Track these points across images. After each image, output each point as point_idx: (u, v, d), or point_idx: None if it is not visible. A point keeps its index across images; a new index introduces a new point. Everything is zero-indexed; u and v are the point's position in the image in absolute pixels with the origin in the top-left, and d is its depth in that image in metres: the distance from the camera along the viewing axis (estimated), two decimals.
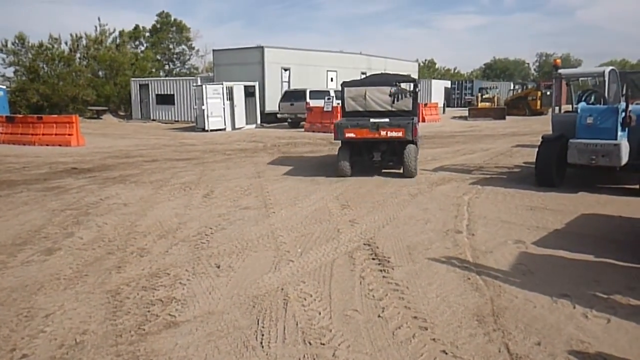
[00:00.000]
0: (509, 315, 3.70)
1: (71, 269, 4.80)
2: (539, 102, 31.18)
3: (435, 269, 4.69)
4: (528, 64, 79.90)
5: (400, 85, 10.94)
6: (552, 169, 8.32)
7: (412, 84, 10.91)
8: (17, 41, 31.73)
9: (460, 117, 30.43)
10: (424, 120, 26.56)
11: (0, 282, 4.50)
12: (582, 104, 8.32)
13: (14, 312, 3.89)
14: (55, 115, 20.33)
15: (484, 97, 33.58)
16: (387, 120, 9.70)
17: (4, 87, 27.85)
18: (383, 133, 9.39)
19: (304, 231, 5.98)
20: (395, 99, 10.65)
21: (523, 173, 9.92)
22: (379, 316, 3.70)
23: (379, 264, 4.80)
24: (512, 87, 39.38)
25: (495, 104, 32.57)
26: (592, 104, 8.77)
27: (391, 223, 6.33)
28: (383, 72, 28.95)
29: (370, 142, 9.68)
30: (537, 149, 8.59)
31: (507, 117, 28.40)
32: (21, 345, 3.37)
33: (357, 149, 9.96)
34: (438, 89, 44.69)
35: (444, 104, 37.95)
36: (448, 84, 48.87)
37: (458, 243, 5.46)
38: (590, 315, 3.71)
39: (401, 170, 9.73)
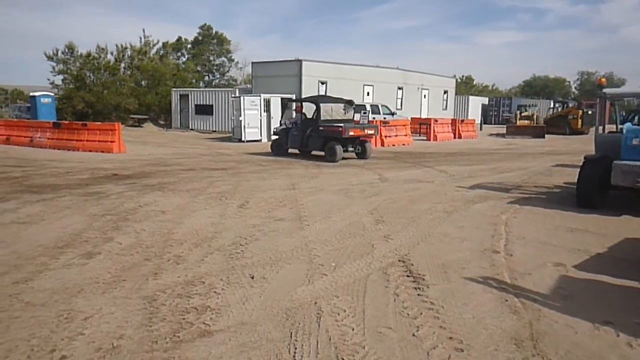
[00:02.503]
0: (548, 341, 3.59)
1: (110, 274, 4.91)
2: (580, 121, 30.49)
3: (472, 289, 4.60)
4: (569, 82, 78.06)
5: (346, 104, 16.24)
6: (594, 190, 8.08)
7: (350, 103, 16.37)
8: (66, 50, 32.99)
9: (498, 135, 29.98)
10: (460, 137, 26.29)
11: (43, 284, 4.64)
12: (628, 125, 8.09)
13: (55, 313, 3.99)
14: (99, 123, 21.01)
15: (522, 114, 32.98)
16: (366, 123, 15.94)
17: (52, 94, 28.95)
18: (367, 131, 15.56)
19: (337, 245, 5.96)
20: (345, 112, 16.08)
21: (563, 193, 9.67)
22: (413, 335, 3.65)
23: (414, 282, 4.74)
24: (552, 105, 38.59)
25: (534, 122, 31.95)
26: (637, 124, 8.51)
27: (426, 240, 6.25)
28: (421, 84, 28.83)
29: (353, 138, 15.13)
30: (578, 169, 8.37)
31: (546, 135, 27.82)
32: (60, 346, 3.46)
33: (344, 142, 15.06)
34: (475, 105, 44.19)
35: (481, 121, 37.49)
36: (485, 100, 48.28)
37: (495, 263, 5.34)
38: (635, 344, 3.57)
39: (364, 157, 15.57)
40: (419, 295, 4.42)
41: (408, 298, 4.34)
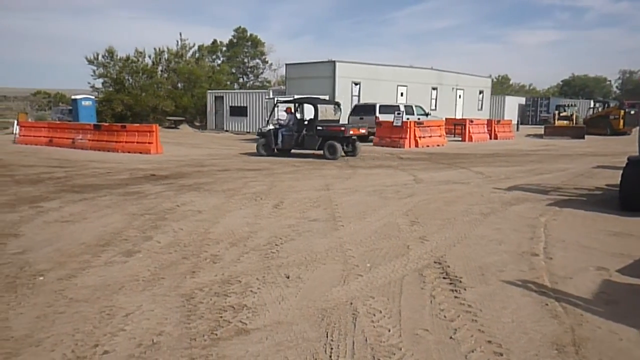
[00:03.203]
0: (591, 347, 3.49)
1: (149, 271, 5.02)
2: (621, 121, 29.52)
3: (510, 292, 4.51)
4: (610, 81, 75.65)
5: (336, 105, 17.30)
6: (638, 192, 7.81)
7: (338, 105, 17.55)
8: (106, 54, 33.93)
9: (535, 135, 29.30)
10: (496, 138, 25.83)
11: (85, 280, 4.78)
12: None
13: (97, 309, 4.11)
14: (137, 125, 21.50)
15: (561, 114, 32.15)
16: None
17: (93, 97, 29.81)
18: (361, 130, 16.84)
19: (372, 246, 5.94)
20: (335, 113, 16.98)
21: (605, 196, 9.38)
22: (450, 338, 3.60)
23: (450, 284, 4.68)
24: (592, 105, 37.50)
25: (574, 122, 31.10)
26: None
27: (462, 242, 6.17)
28: (455, 84, 28.49)
29: (347, 137, 16.02)
30: (621, 171, 8.11)
31: (586, 136, 27.05)
32: (103, 341, 3.55)
33: (341, 141, 15.86)
34: (512, 105, 43.38)
35: (517, 122, 36.72)
36: (522, 100, 47.29)
37: (534, 266, 5.23)
38: None
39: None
40: (455, 297, 4.36)
41: (445, 300, 4.29)
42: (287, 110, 16.84)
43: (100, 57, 33.91)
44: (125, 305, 4.17)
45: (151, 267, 5.16)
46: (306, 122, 16.53)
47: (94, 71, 34.17)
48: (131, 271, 5.03)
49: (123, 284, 4.66)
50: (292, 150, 16.86)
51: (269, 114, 17.69)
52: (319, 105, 16.55)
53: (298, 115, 16.93)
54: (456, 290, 4.51)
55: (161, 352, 3.40)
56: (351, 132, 16.23)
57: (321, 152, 16.03)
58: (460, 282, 4.74)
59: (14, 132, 22.86)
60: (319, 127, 15.99)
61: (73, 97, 29.75)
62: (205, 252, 5.68)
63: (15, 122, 24.04)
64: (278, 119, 16.95)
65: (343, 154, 16.05)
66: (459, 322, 3.85)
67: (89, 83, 35.47)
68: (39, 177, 11.49)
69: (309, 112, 17.23)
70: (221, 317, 3.95)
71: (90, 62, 33.88)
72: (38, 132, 21.75)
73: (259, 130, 17.56)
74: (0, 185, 10.26)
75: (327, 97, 24.44)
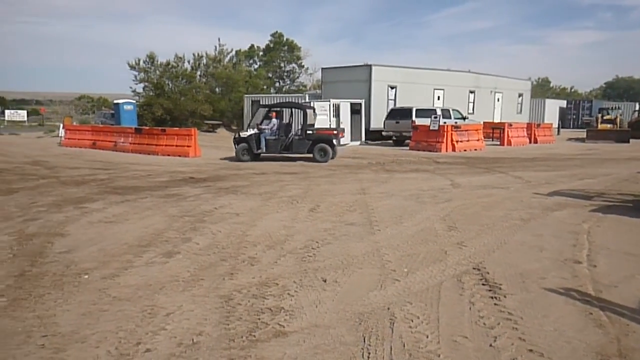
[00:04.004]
0: (638, 358, 3.37)
1: (189, 272, 5.12)
2: None
3: (552, 300, 4.40)
4: None
5: (313, 110, 17.60)
6: None
7: (314, 110, 17.76)
8: (147, 60, 34.81)
9: (577, 139, 28.49)
10: (536, 142, 25.26)
11: (128, 280, 4.91)
12: None
13: (139, 308, 4.21)
14: (177, 128, 21.98)
15: (604, 118, 31.13)
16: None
17: (134, 101, 30.63)
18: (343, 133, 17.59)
19: (409, 251, 5.90)
20: (315, 117, 17.41)
21: None
22: (490, 345, 3.54)
23: (490, 290, 4.60)
24: (636, 108, 36.20)
25: (618, 125, 30.07)
26: None
27: (502, 248, 6.05)
28: (494, 87, 28.08)
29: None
30: None
31: (631, 140, 26.13)
32: (145, 340, 3.64)
33: (330, 144, 16.31)
34: (552, 109, 42.29)
35: (558, 125, 35.81)
36: (563, 103, 46.07)
37: (577, 274, 5.08)
38: None
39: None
40: (495, 304, 4.28)
41: (484, 307, 4.22)
42: (274, 115, 16.83)
43: (141, 63, 34.82)
44: (166, 305, 4.27)
45: (190, 268, 5.27)
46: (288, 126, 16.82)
47: (135, 76, 35.11)
48: (171, 272, 5.15)
49: (164, 284, 4.77)
50: (260, 155, 16.70)
51: (251, 119, 17.35)
52: (308, 111, 16.78)
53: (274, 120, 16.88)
54: (496, 297, 4.43)
55: (201, 352, 3.46)
56: (341, 136, 17.26)
57: (310, 155, 16.32)
58: (500, 288, 4.65)
59: (60, 135, 23.70)
60: (308, 131, 16.30)
61: (115, 101, 30.65)
62: (243, 254, 5.76)
63: (61, 125, 24.94)
64: (257, 124, 16.70)
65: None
66: (499, 330, 3.78)
67: (130, 88, 36.48)
68: (83, 179, 11.87)
69: (290, 117, 17.68)
70: (259, 319, 3.99)
71: (132, 67, 34.82)
72: (82, 135, 22.51)
73: (237, 136, 17.05)
74: (47, 187, 10.65)
75: (361, 101, 24.39)
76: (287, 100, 30.09)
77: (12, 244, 6.15)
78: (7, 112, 45.48)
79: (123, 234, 6.65)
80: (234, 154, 16.87)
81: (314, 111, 17.82)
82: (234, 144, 16.82)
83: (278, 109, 17.59)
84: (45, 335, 3.72)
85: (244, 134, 16.68)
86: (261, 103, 30.67)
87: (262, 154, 16.54)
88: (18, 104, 74.88)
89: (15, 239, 6.39)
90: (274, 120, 16.67)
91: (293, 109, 18.25)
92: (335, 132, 16.99)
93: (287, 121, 17.13)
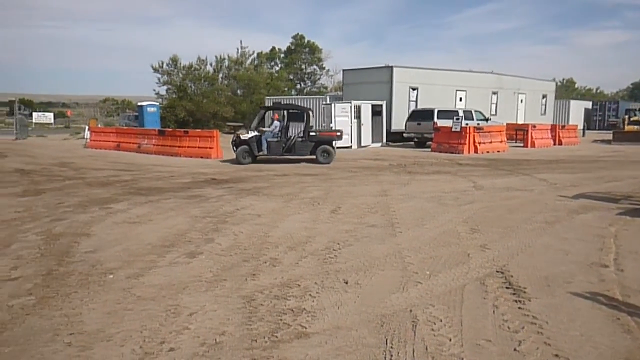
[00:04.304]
0: None
1: (211, 273, 5.16)
2: None
3: (578, 304, 4.32)
4: None
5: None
6: None
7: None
8: (171, 63, 35.27)
9: (603, 141, 27.94)
10: (560, 143, 24.86)
11: (152, 279, 4.98)
12: None
13: (163, 307, 4.27)
14: (199, 130, 22.20)
15: (631, 119, 30.44)
16: None
17: (157, 103, 31.04)
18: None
19: (431, 253, 5.85)
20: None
21: None
22: (514, 350, 3.49)
23: (514, 294, 4.54)
24: None
25: None
26: None
27: (526, 251, 5.97)
28: (517, 88, 27.63)
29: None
30: None
31: None
32: (169, 339, 3.69)
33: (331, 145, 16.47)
34: (577, 110, 41.57)
35: (583, 126, 35.17)
36: (589, 104, 45.23)
37: (604, 278, 4.98)
38: None
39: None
40: (519, 308, 4.22)
41: (508, 311, 4.17)
42: (275, 117, 16.65)
43: (164, 66, 35.30)
44: (189, 305, 4.31)
45: (213, 268, 5.31)
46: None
47: (158, 79, 35.62)
48: (194, 272, 5.20)
49: (187, 284, 4.82)
50: (285, 157, 16.56)
51: (256, 121, 16.76)
52: (310, 112, 16.76)
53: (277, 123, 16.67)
54: (520, 301, 4.37)
55: (224, 352, 3.49)
56: (343, 137, 17.63)
57: (313, 157, 16.30)
58: (525, 292, 4.59)
59: (85, 137, 24.13)
60: (312, 133, 16.28)
61: (139, 103, 31.10)
62: (264, 255, 5.78)
63: (86, 127, 25.40)
64: (256, 127, 16.37)
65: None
66: (524, 334, 3.73)
67: (153, 90, 37.01)
68: (108, 180, 12.07)
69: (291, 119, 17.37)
70: (281, 319, 4.00)
71: (155, 70, 35.32)
72: (107, 137, 22.90)
73: (235, 138, 16.42)
74: (73, 187, 10.86)
75: (382, 103, 24.30)
76: (300, 102, 30.17)
77: (40, 243, 6.29)
78: (34, 114, 46.54)
79: (147, 235, 6.74)
80: (234, 157, 16.43)
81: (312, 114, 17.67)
82: (233, 147, 16.36)
83: (280, 110, 17.41)
84: (72, 333, 3.79)
85: (244, 136, 16.16)
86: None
87: (260, 156, 16.26)
88: (45, 106, 76.50)
89: (43, 238, 6.52)
90: (276, 122, 16.48)
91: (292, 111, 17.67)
92: (338, 133, 17.11)
93: (287, 123, 16.85)
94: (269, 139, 16.09)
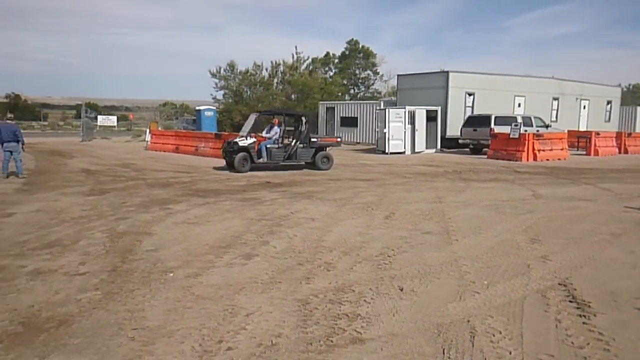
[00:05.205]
0: None
1: (267, 275, 5.24)
2: None
3: None
4: None
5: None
6: None
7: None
8: (228, 68, 36.18)
9: None
10: (626, 152, 23.72)
11: (210, 279, 5.11)
12: None
13: (221, 307, 4.37)
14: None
15: None
16: None
17: (214, 108, 31.86)
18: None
19: (489, 263, 5.71)
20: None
21: None
22: None
23: (578, 308, 4.36)
24: None
25: None
26: None
27: (590, 264, 5.72)
28: (579, 94, 26.58)
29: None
30: None
31: None
32: (227, 338, 3.77)
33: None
34: None
35: None
36: None
37: None
38: None
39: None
40: (584, 323, 4.05)
41: (572, 325, 4.00)
42: (275, 122, 15.85)
43: (222, 71, 36.23)
44: (246, 306, 4.39)
45: (268, 270, 5.39)
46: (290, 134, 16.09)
47: (216, 84, 36.61)
48: (250, 273, 5.29)
49: (243, 285, 4.91)
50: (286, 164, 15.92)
51: (249, 126, 15.42)
52: (304, 118, 16.12)
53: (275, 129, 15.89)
54: (585, 316, 4.19)
55: (280, 354, 3.53)
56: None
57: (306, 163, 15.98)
58: (589, 307, 4.39)
59: (147, 139, 25.06)
60: (313, 139, 16.02)
61: (197, 108, 32.06)
62: (319, 259, 5.82)
63: (148, 130, 26.36)
64: (248, 132, 15.13)
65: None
66: (589, 350, 3.58)
67: (211, 95, 38.09)
68: (168, 182, 12.48)
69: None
70: (336, 324, 4.01)
71: (213, 75, 36.33)
72: (166, 139, 23.69)
73: (228, 145, 15.18)
74: (135, 188, 11.30)
75: (437, 108, 23.95)
76: (354, 107, 30.14)
77: (105, 240, 6.58)
78: (99, 117, 48.74)
79: (204, 235, 6.92)
80: (224, 164, 15.72)
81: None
82: (225, 155, 15.29)
83: (281, 116, 16.46)
84: (135, 328, 3.94)
85: (243, 143, 14.83)
86: (336, 110, 31.03)
87: (258, 164, 15.22)
88: (109, 110, 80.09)
89: (108, 236, 6.82)
90: (276, 128, 15.69)
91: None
92: (339, 139, 17.30)
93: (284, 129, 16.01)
94: (268, 146, 15.28)
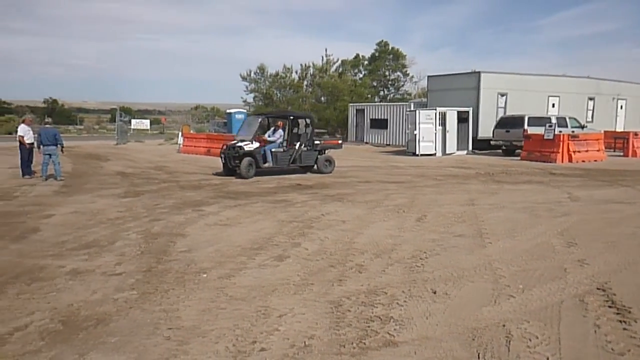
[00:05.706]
0: None
1: (299, 276, 5.26)
2: None
3: None
4: None
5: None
6: None
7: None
8: (258, 71, 36.52)
9: None
10: None
11: (242, 280, 5.16)
12: None
13: (254, 308, 4.40)
14: None
15: None
16: None
17: (245, 111, 32.19)
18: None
19: (524, 266, 5.60)
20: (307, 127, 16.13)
21: None
22: None
23: (618, 314, 4.24)
24: None
25: None
26: None
27: (630, 268, 5.55)
28: (616, 94, 25.85)
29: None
30: None
31: None
32: (260, 339, 3.80)
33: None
34: None
35: None
36: None
37: None
38: None
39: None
40: (625, 329, 3.93)
41: (611, 331, 3.90)
42: (280, 125, 15.18)
43: (252, 74, 36.58)
44: (279, 307, 4.42)
45: (300, 272, 5.41)
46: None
47: (246, 87, 37.00)
48: (282, 275, 5.32)
49: (276, 287, 4.94)
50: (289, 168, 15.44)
51: (255, 129, 14.75)
52: (308, 120, 16.14)
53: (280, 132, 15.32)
54: (625, 322, 4.07)
55: (313, 355, 3.54)
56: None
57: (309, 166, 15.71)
58: (630, 312, 4.27)
59: (178, 142, 25.48)
60: (317, 142, 15.77)
61: (228, 111, 32.44)
62: (350, 261, 5.81)
63: (180, 133, 26.80)
64: (253, 136, 14.56)
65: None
66: (630, 357, 3.48)
67: (241, 98, 38.48)
68: (199, 184, 12.66)
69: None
70: (369, 326, 4.00)
71: (243, 78, 36.72)
72: (198, 142, 24.04)
73: (240, 150, 14.25)
74: (168, 190, 11.50)
75: (469, 110, 23.64)
76: (384, 109, 29.99)
77: (140, 241, 6.72)
78: (133, 121, 49.73)
79: (237, 237, 6.99)
80: (221, 169, 14.95)
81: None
82: (227, 159, 14.48)
83: (285, 119, 15.99)
84: (171, 328, 4.01)
85: (249, 147, 14.19)
86: (366, 112, 30.96)
87: (267, 168, 14.67)
88: (142, 113, 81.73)
89: (143, 237, 6.97)
90: (280, 131, 15.07)
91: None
92: (340, 142, 17.23)
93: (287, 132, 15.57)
94: (273, 150, 14.67)
